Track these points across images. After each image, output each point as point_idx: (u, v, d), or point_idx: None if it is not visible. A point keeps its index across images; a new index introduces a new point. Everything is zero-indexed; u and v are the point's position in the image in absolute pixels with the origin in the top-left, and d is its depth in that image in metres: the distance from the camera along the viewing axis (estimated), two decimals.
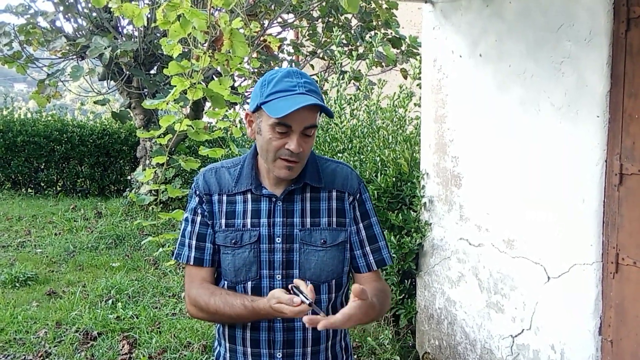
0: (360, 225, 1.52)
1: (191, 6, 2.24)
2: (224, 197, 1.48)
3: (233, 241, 1.46)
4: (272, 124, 1.37)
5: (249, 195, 1.47)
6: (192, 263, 1.49)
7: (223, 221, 1.47)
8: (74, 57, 6.83)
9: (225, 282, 1.48)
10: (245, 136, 5.40)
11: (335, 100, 4.24)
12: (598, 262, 2.30)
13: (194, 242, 1.49)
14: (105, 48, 5.65)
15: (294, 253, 1.45)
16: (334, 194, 1.50)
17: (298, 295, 1.27)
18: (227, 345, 1.51)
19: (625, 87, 2.18)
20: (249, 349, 1.47)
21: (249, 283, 1.45)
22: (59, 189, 9.05)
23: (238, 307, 1.39)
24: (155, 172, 2.75)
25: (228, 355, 1.51)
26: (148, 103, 2.60)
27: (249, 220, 1.46)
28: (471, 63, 2.81)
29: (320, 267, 1.45)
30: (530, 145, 2.54)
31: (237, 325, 1.48)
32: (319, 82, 5.12)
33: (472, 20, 2.79)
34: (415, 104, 4.30)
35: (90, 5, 6.60)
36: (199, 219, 1.49)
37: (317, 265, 1.45)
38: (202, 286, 1.47)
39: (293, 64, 7.29)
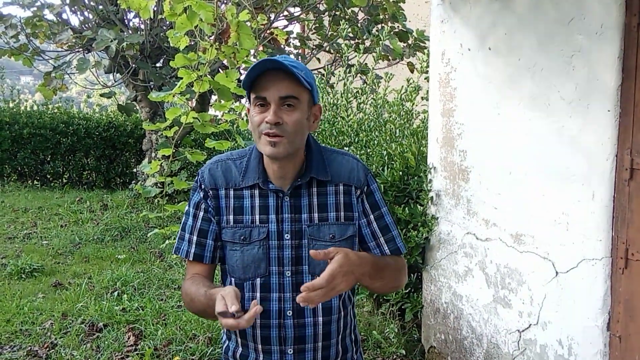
0: (371, 216, 1.49)
1: None
2: (231, 192, 1.44)
3: (242, 238, 1.42)
4: (253, 100, 1.37)
5: (257, 191, 1.43)
6: (191, 259, 1.46)
7: (231, 217, 1.43)
8: (80, 49, 6.84)
9: (233, 279, 1.45)
10: None
11: (342, 94, 4.23)
12: (607, 258, 2.28)
13: (194, 238, 1.45)
14: (111, 41, 5.65)
15: (303, 249, 1.42)
16: (341, 187, 1.46)
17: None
18: (239, 340, 1.49)
19: (637, 80, 2.15)
20: (259, 346, 1.45)
21: (258, 280, 1.42)
22: (64, 181, 9.07)
23: (201, 292, 1.35)
24: (161, 164, 2.76)
25: (240, 349, 1.49)
26: (154, 95, 2.60)
27: (257, 217, 1.42)
28: (480, 56, 2.78)
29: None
30: (539, 140, 2.51)
31: None
32: (325, 75, 5.09)
33: (481, 13, 2.76)
34: (422, 98, 4.27)
35: None
36: (201, 214, 1.45)
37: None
38: (193, 277, 1.44)
39: (299, 57, 7.26)
